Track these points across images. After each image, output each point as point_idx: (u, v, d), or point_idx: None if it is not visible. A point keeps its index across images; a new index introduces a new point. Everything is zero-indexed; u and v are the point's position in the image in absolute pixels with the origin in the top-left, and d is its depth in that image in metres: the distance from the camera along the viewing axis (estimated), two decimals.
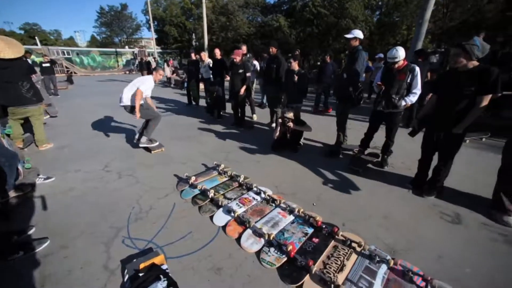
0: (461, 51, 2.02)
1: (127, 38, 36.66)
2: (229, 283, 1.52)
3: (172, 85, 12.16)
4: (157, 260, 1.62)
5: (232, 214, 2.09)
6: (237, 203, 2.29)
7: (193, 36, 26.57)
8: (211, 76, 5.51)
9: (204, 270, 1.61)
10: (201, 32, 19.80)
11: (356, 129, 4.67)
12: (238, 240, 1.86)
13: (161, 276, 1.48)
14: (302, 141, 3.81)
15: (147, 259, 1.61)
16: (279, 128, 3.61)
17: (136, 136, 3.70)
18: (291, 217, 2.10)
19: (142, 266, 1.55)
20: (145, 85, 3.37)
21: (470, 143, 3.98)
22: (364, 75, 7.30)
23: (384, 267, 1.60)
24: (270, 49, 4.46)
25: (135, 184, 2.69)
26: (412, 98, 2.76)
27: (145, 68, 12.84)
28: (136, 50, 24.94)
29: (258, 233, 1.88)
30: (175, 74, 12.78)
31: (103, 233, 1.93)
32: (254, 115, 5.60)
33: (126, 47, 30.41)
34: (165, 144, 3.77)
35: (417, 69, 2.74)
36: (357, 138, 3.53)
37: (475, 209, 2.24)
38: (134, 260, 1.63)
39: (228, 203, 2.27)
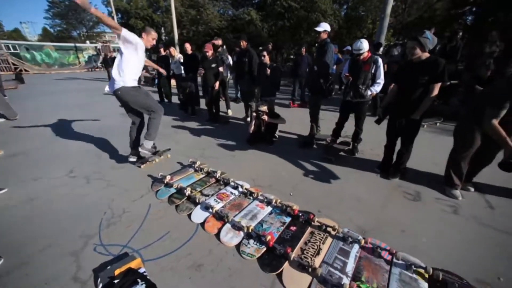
0: (416, 43, 2.20)
1: (87, 32, 33.73)
2: (210, 279, 1.52)
3: (142, 82, 11.53)
4: (133, 264, 1.56)
5: (210, 210, 2.08)
6: (215, 199, 2.28)
7: (162, 30, 25.28)
8: (183, 71, 5.32)
9: (184, 268, 1.59)
10: (170, 26, 18.93)
11: (328, 119, 4.86)
12: (217, 235, 1.86)
13: (139, 280, 1.44)
14: (277, 133, 3.88)
15: (122, 264, 1.55)
16: (253, 122, 3.63)
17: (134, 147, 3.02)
18: (269, 208, 2.15)
19: (117, 272, 1.49)
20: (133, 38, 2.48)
21: (428, 127, 4.38)
22: (335, 67, 7.60)
23: (356, 247, 1.71)
24: (241, 43, 4.42)
25: (105, 188, 2.54)
26: (377, 88, 2.94)
27: (110, 65, 11.97)
28: (99, 45, 23.09)
29: (237, 227, 1.90)
30: (144, 71, 12.11)
31: (71, 243, 1.80)
32: (229, 110, 5.55)
33: (87, 42, 28.00)
34: None
35: (380, 60, 2.92)
36: (330, 128, 3.68)
37: (432, 186, 2.49)
38: (108, 267, 1.55)
39: (205, 200, 2.25)
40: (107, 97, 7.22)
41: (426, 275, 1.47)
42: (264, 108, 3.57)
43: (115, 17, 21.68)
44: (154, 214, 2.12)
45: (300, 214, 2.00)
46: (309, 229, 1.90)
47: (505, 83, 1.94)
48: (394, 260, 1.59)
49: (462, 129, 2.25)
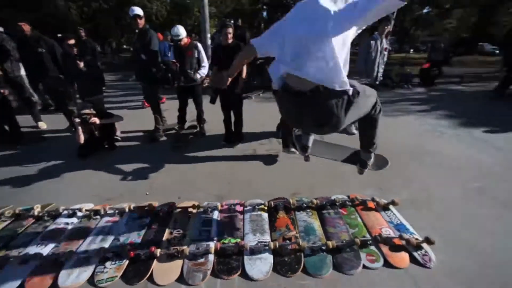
0: (229, 30, 2.65)
1: None
2: None
3: None
4: None
5: (32, 262, 1.52)
6: (38, 244, 1.68)
7: None
8: None
9: None
10: None
11: (174, 108, 4.82)
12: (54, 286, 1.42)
13: None
14: (119, 134, 3.37)
15: None
16: (80, 130, 2.90)
17: None
18: (124, 218, 1.90)
19: None
20: None
21: (256, 98, 5.52)
22: (170, 53, 7.46)
23: (216, 213, 1.93)
24: (23, 27, 3.20)
25: None
26: (204, 71, 3.22)
27: None
28: None
29: (82, 259, 1.54)
30: None
31: None
32: (40, 123, 4.03)
33: None
34: None
35: (199, 45, 3.18)
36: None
37: (263, 143, 3.23)
38: None
39: (20, 253, 1.60)
40: None
41: (266, 208, 1.94)
42: (88, 110, 2.92)
43: None
44: None
45: (159, 209, 1.94)
46: (173, 218, 1.89)
47: None
48: (245, 208, 1.96)
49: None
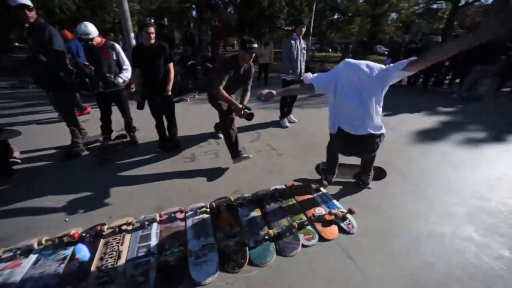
0: (150, 29, 2.46)
1: None
2: None
3: None
4: None
5: None
6: None
7: None
8: None
9: None
10: None
11: (96, 117, 4.20)
12: None
13: None
14: (18, 156, 2.72)
15: None
16: None
17: None
18: (31, 258, 1.54)
19: None
20: None
21: (190, 100, 5.34)
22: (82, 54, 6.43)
23: (155, 225, 1.79)
24: None
25: None
26: (127, 74, 2.90)
27: None
28: None
29: None
30: None
31: None
32: None
33: None
34: None
35: (117, 45, 2.84)
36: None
37: (205, 145, 3.16)
38: None
39: None
40: None
41: (208, 210, 1.91)
42: None
43: None
44: None
45: (84, 235, 1.67)
46: (102, 242, 1.66)
47: (220, 62, 2.54)
48: (186, 214, 1.88)
49: (211, 99, 2.74)
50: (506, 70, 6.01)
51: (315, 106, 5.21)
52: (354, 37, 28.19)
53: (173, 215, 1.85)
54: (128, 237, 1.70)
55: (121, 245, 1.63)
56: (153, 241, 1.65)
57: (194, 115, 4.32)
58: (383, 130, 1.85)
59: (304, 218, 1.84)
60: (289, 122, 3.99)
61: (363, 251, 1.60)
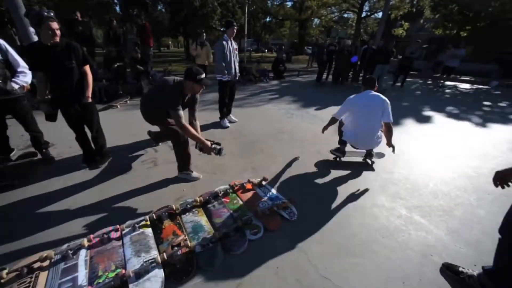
0: (53, 24, 2.00)
1: None
2: None
3: None
4: None
5: None
6: None
7: None
8: None
9: None
10: None
11: None
12: None
13: None
14: None
15: None
16: None
17: None
18: None
19: None
20: None
21: (121, 106, 4.78)
22: None
23: (83, 252, 1.54)
24: None
25: None
26: (25, 78, 2.38)
27: None
28: None
29: None
30: None
31: None
32: None
33: None
34: None
35: (3, 43, 2.29)
36: None
37: (141, 154, 2.89)
38: None
39: None
40: None
41: (148, 222, 1.76)
42: None
43: None
44: None
45: None
46: None
47: (169, 94, 2.12)
48: (123, 232, 1.69)
49: (149, 118, 2.44)
50: (397, 70, 7.99)
51: (254, 104, 5.41)
52: (285, 39, 30.42)
53: (106, 236, 1.63)
54: (43, 275, 1.41)
55: (36, 286, 1.34)
56: (81, 271, 1.43)
57: (127, 122, 3.89)
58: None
59: (249, 214, 1.90)
60: (230, 122, 4.03)
61: (304, 234, 1.76)
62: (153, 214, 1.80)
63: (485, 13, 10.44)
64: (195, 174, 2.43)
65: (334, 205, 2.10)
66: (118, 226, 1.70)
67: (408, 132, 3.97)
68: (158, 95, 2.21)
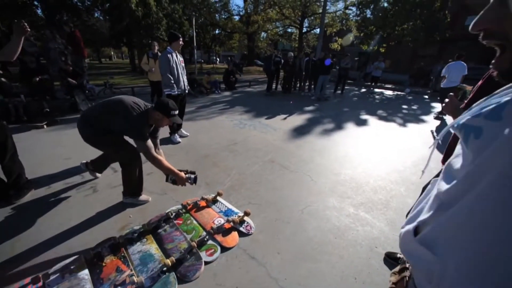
0: None
1: None
2: None
3: None
4: None
5: None
6: None
7: None
8: None
9: None
10: None
11: None
12: None
13: None
14: None
15: None
16: None
17: None
18: None
19: None
20: None
21: (49, 127, 4.10)
22: None
23: None
24: None
25: None
26: None
27: None
28: None
29: None
30: None
31: None
32: None
33: None
34: None
35: None
36: None
37: (76, 180, 2.48)
38: None
39: None
40: None
41: (84, 263, 1.50)
42: None
43: None
44: None
45: None
46: None
47: (136, 125, 1.85)
48: (46, 281, 1.39)
49: (94, 141, 2.03)
50: (337, 79, 9.10)
51: (206, 117, 5.30)
52: (236, 50, 31.15)
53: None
54: None
55: None
56: None
57: (58, 144, 3.33)
58: None
59: (204, 233, 1.80)
60: (181, 136, 3.84)
61: (262, 247, 1.74)
62: (91, 251, 1.54)
63: (392, 35, 12.85)
64: (142, 197, 2.20)
65: (289, 212, 2.15)
66: (39, 275, 1.40)
67: (350, 135, 4.41)
68: (112, 118, 1.88)
